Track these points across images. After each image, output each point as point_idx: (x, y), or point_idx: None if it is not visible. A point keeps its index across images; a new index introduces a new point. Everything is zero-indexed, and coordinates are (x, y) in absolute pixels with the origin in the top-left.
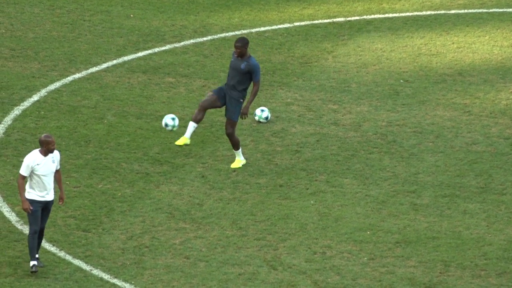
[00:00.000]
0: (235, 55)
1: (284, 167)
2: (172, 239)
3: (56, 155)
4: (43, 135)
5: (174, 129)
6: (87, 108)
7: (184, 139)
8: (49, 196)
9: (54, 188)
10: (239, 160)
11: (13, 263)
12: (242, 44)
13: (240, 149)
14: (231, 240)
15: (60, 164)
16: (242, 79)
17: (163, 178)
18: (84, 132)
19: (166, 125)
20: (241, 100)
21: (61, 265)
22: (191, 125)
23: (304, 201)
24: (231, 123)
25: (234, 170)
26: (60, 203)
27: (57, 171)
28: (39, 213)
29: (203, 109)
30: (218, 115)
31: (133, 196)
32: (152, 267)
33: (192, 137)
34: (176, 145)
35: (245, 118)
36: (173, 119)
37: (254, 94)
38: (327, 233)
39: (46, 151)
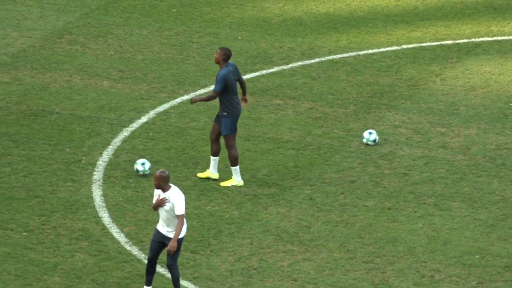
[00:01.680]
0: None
1: (392, 190)
2: (280, 261)
3: (173, 195)
4: None
5: (146, 173)
6: (195, 130)
7: (208, 174)
8: (166, 232)
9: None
10: (232, 180)
11: (122, 284)
12: (219, 52)
13: (237, 167)
14: (339, 262)
15: (179, 212)
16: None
17: (271, 200)
18: (193, 154)
19: (137, 170)
20: (225, 114)
21: (169, 286)
22: (212, 160)
23: (412, 224)
24: (224, 138)
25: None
26: (168, 248)
27: (177, 216)
28: (154, 242)
29: (213, 140)
30: (326, 137)
31: (241, 218)
32: None
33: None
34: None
35: (192, 103)
36: (143, 164)
37: (205, 97)
38: (435, 256)
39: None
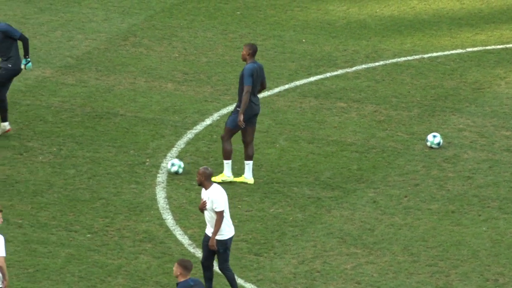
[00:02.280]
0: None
1: (456, 193)
2: (343, 264)
3: (212, 193)
4: None
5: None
6: (259, 132)
7: (243, 178)
8: (211, 233)
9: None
10: (222, 174)
11: None
12: (245, 48)
13: (229, 161)
14: (403, 266)
15: (217, 209)
16: (240, 87)
17: (335, 203)
18: (256, 156)
19: (175, 165)
20: (238, 109)
21: (229, 287)
22: (246, 164)
23: (476, 227)
24: (225, 129)
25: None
26: (209, 246)
27: (216, 213)
28: (203, 245)
29: (247, 143)
30: (389, 140)
31: (305, 220)
32: None
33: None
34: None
35: (242, 126)
36: (179, 160)
37: (241, 101)
38: (499, 260)
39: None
